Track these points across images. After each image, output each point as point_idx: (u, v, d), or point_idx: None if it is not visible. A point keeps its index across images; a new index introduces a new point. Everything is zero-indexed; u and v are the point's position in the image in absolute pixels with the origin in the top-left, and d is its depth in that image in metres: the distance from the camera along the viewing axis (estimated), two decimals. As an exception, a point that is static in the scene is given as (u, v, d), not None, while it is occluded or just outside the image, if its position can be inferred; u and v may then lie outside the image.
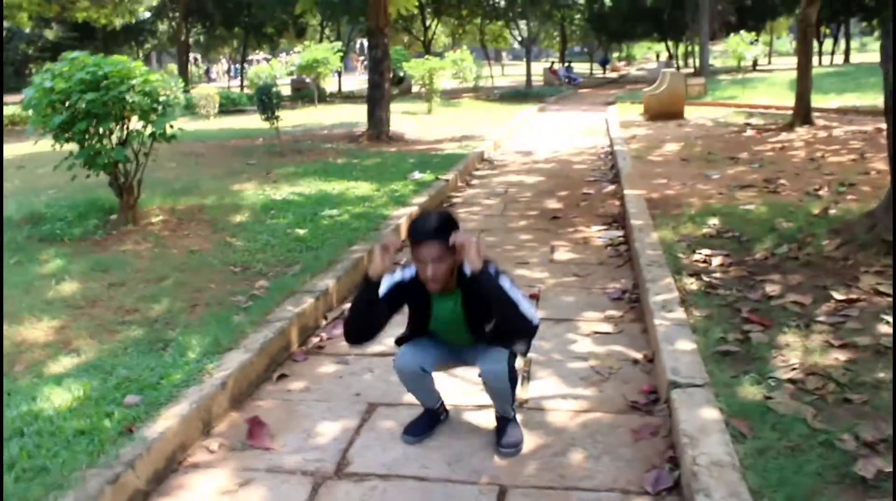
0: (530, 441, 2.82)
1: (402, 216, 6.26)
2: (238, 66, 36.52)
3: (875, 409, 2.66)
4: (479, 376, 2.74)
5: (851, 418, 2.60)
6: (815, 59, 17.21)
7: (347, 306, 4.43)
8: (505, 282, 2.54)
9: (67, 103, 5.15)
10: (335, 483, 2.61)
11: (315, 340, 4.00)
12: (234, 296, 4.27)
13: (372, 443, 2.87)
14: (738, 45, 20.88)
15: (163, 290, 4.37)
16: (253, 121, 15.79)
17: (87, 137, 5.28)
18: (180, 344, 3.52)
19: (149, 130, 5.53)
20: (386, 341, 3.72)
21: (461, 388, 3.27)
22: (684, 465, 2.43)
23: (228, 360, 3.34)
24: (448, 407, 3.05)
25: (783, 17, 39.37)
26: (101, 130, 5.32)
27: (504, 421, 2.84)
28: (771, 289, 3.98)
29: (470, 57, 22.09)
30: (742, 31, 22.83)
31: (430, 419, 2.95)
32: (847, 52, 39.03)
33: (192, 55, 37.75)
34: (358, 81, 40.63)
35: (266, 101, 9.76)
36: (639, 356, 3.60)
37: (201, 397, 2.99)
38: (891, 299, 3.69)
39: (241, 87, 32.81)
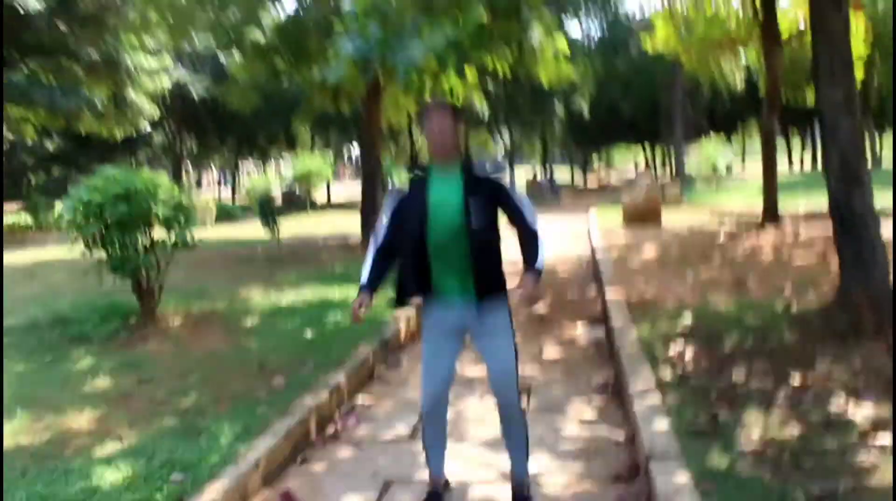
0: (529, 509, 3.26)
1: (401, 320, 6.77)
2: (229, 174, 37.84)
3: (823, 471, 3.15)
4: (490, 379, 3.17)
5: (802, 479, 3.09)
6: (785, 167, 18.33)
7: (358, 400, 4.94)
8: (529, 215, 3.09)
9: (102, 215, 5.74)
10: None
11: (331, 429, 4.44)
12: (255, 391, 4.73)
13: (392, 509, 3.30)
14: (712, 152, 22.16)
15: (189, 385, 4.83)
16: (249, 230, 16.52)
17: (117, 245, 5.83)
18: (212, 431, 3.96)
19: (172, 238, 6.11)
20: (397, 428, 4.22)
21: (466, 465, 3.72)
22: (661, 520, 2.89)
23: (258, 444, 3.78)
24: (455, 484, 3.49)
25: (754, 119, 41.54)
26: (128, 239, 5.89)
27: (519, 491, 3.27)
28: (737, 376, 4.50)
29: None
30: (713, 133, 24.30)
31: (438, 497, 3.35)
32: (814, 158, 40.97)
33: (183, 164, 39.17)
34: (346, 189, 42.09)
35: (267, 211, 10.42)
36: (620, 438, 4.08)
37: (238, 474, 3.43)
38: (841, 383, 4.22)
39: (233, 196, 33.98)
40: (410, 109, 15.34)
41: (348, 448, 4.14)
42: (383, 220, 3.18)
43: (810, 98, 17.96)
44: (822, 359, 4.68)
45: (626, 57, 29.97)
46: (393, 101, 14.51)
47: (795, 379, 4.34)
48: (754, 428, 3.68)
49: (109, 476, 3.39)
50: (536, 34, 10.80)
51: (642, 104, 32.79)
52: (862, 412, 3.80)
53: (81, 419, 4.21)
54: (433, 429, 3.28)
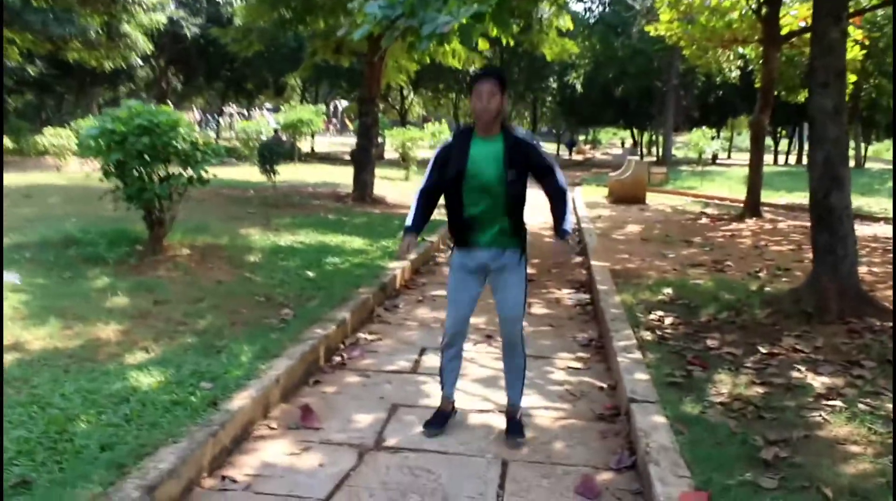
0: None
1: (397, 269, 7.17)
2: (214, 117, 37.67)
3: (780, 423, 3.63)
4: (499, 318, 3.66)
5: (762, 428, 3.57)
6: (770, 158, 18.85)
7: (361, 334, 5.36)
8: (559, 178, 3.52)
9: (123, 144, 6.02)
10: (376, 453, 3.47)
11: (338, 358, 4.86)
12: (266, 319, 5.12)
13: (400, 429, 3.74)
14: (700, 140, 22.66)
15: (202, 310, 5.20)
16: (239, 172, 16.71)
17: (136, 174, 6.13)
18: (231, 350, 4.34)
19: (187, 173, 6.42)
20: (399, 362, 4.65)
21: (466, 397, 4.17)
22: (639, 450, 3.36)
23: (277, 364, 4.18)
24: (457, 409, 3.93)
25: (744, 116, 42.22)
26: (148, 170, 6.19)
27: (513, 417, 3.72)
28: (711, 343, 4.99)
29: (448, 130, 23.49)
30: (704, 127, 24.83)
31: (445, 417, 3.80)
32: (800, 153, 41.84)
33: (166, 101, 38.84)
34: (329, 142, 42.04)
35: (267, 156, 10.69)
36: (603, 384, 4.55)
37: (262, 387, 3.83)
38: (803, 356, 4.73)
39: (217, 138, 33.85)
40: (411, 69, 15.56)
41: (355, 376, 4.57)
42: (429, 167, 3.62)
43: (802, 98, 18.55)
44: (788, 335, 5.18)
45: (624, 39, 30.22)
46: (394, 59, 14.76)
47: (763, 349, 4.84)
48: (723, 386, 4.16)
49: (144, 379, 3.76)
50: (545, 9, 11.09)
51: (636, 87, 33.15)
52: (820, 379, 4.30)
53: (108, 331, 4.57)
54: (452, 351, 3.74)
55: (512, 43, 12.25)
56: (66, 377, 3.74)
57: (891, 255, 9.25)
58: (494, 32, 10.85)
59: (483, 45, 10.83)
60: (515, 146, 3.48)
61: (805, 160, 39.51)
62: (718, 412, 3.76)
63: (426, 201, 3.61)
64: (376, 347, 5.19)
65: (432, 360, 4.87)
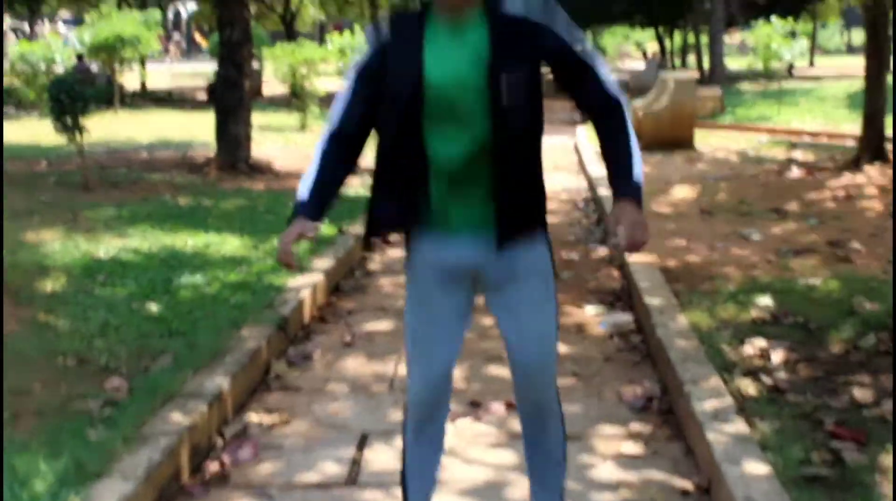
0: None
1: (304, 288, 6.73)
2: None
3: None
4: (512, 367, 3.20)
5: None
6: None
7: (251, 416, 4.97)
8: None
9: None
10: None
11: (212, 465, 4.40)
12: (78, 402, 4.63)
13: None
14: (771, 40, 22.62)
15: (-43, 394, 4.67)
16: (22, 130, 16.08)
17: None
18: (17, 471, 3.83)
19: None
20: (322, 465, 4.24)
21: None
22: None
23: (102, 493, 3.68)
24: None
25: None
26: None
27: None
28: (860, 395, 4.67)
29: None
30: (773, 18, 24.81)
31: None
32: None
33: None
34: (171, 73, 41.41)
35: (67, 103, 10.16)
36: (687, 485, 4.17)
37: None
38: None
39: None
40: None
41: (245, 498, 4.12)
42: (343, 88, 2.97)
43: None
44: None
45: None
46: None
47: (951, 397, 4.53)
48: (900, 474, 3.82)
49: None
50: None
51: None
52: None
53: None
54: (422, 450, 3.30)
55: None
56: None
57: None
58: None
59: None
60: (510, 28, 2.83)
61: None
62: (903, 529, 3.40)
63: (338, 155, 2.96)
64: (279, 437, 4.78)
65: (382, 456, 4.49)
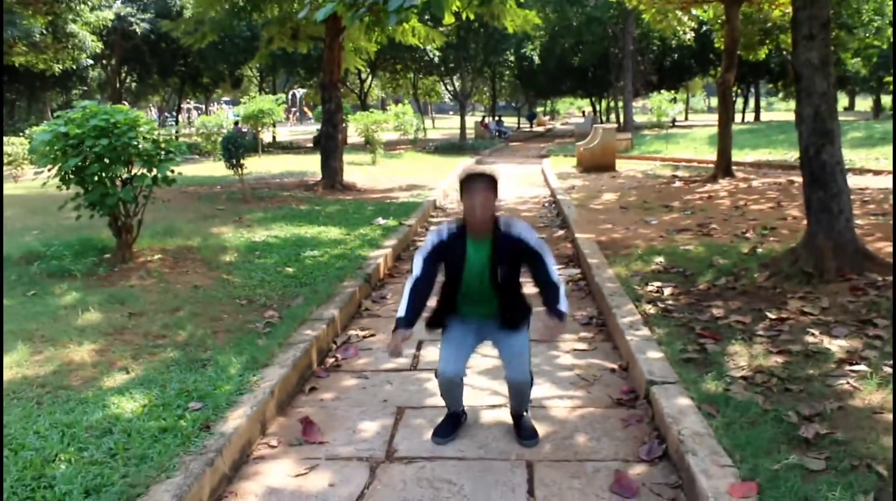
0: (540, 430, 3.44)
1: (380, 257, 6.84)
2: (172, 114, 36.58)
3: (809, 395, 3.40)
4: (507, 380, 3.35)
5: (792, 402, 3.33)
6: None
7: (351, 331, 5.04)
8: (553, 272, 3.25)
9: (80, 148, 5.56)
10: (389, 466, 3.16)
11: (331, 360, 4.53)
12: (250, 324, 4.76)
13: (410, 435, 3.43)
14: (661, 104, 22.52)
15: (181, 319, 4.82)
16: (203, 168, 16.19)
17: (96, 179, 5.69)
18: (218, 362, 3.99)
19: (152, 174, 5.98)
20: (397, 361, 4.31)
21: (473, 393, 3.87)
22: (670, 438, 3.10)
23: (269, 373, 3.84)
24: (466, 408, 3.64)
25: (698, 77, 42.34)
26: (109, 174, 5.74)
27: (519, 417, 3.44)
28: (716, 312, 4.75)
29: (411, 111, 23.06)
30: (662, 91, 24.66)
31: (455, 422, 3.50)
32: (757, 111, 42.11)
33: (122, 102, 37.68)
34: (289, 132, 41.29)
35: (232, 150, 10.23)
36: (614, 366, 4.29)
37: (257, 402, 3.49)
38: (813, 318, 4.52)
39: (176, 136, 32.89)
40: (370, 50, 15.08)
41: (353, 378, 4.25)
42: (420, 258, 3.27)
43: (763, 55, 18.43)
44: (792, 297, 4.97)
45: (578, 7, 29.83)
46: (351, 42, 14.28)
47: (771, 315, 4.61)
48: (741, 358, 3.93)
49: (126, 405, 3.40)
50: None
51: (593, 55, 32.89)
52: (837, 342, 4.08)
53: (81, 352, 4.17)
54: (452, 395, 3.43)
55: (472, 16, 11.87)
56: (40, 411, 3.35)
57: (873, 205, 9.14)
58: (457, 4, 10.53)
59: (448, 19, 10.44)
60: (502, 242, 3.21)
61: (762, 117, 39.94)
62: (743, 388, 3.51)
63: (419, 292, 3.25)
64: (370, 344, 4.87)
65: (432, 353, 4.55)
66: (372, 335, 5.04)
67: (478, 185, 3.12)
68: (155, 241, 7.04)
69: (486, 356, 4.51)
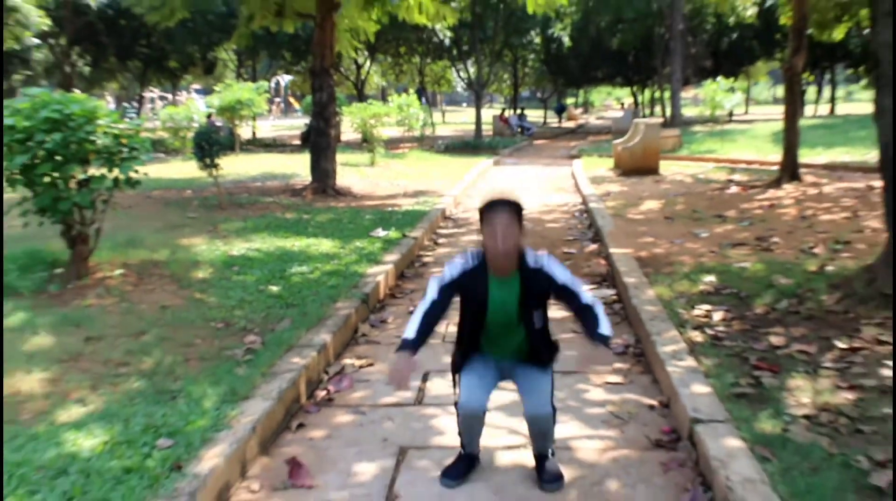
0: (566, 474, 3.54)
1: (379, 274, 6.96)
2: (133, 105, 37.05)
3: (885, 437, 3.48)
4: (525, 416, 3.46)
5: (863, 444, 3.42)
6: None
7: (346, 360, 5.17)
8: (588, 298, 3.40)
9: (28, 144, 5.72)
10: (388, 513, 3.27)
11: (322, 393, 4.65)
12: (228, 350, 4.90)
13: (415, 479, 3.54)
14: (716, 94, 22.65)
15: (147, 345, 4.95)
16: (171, 169, 16.39)
17: (47, 180, 5.84)
18: (190, 394, 4.12)
19: (112, 174, 6.14)
20: (397, 395, 4.44)
21: (488, 431, 3.97)
22: (717, 485, 3.19)
23: (250, 407, 3.96)
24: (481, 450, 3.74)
25: (762, 62, 42.42)
26: (62, 174, 5.89)
27: (543, 459, 3.54)
28: (775, 340, 4.85)
29: (417, 102, 23.25)
30: (718, 78, 24.84)
31: (469, 463, 3.61)
32: (833, 102, 42.14)
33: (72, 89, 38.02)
34: (272, 126, 41.66)
35: (206, 147, 10.40)
36: (653, 402, 4.39)
37: (236, 439, 3.61)
38: (891, 348, 4.60)
39: (138, 131, 33.25)
40: (370, 30, 15.31)
41: (347, 413, 4.37)
42: (436, 284, 3.42)
43: (839, 34, 18.52)
44: (867, 323, 5.05)
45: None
46: (346, 21, 14.51)
47: (841, 343, 4.70)
48: (803, 394, 4.02)
49: (84, 442, 3.52)
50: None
51: (634, 37, 33.12)
52: (918, 376, 4.16)
53: (31, 381, 4.30)
54: (471, 432, 3.56)
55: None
56: (-16, 448, 3.48)
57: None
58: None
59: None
60: (531, 281, 3.35)
61: (838, 110, 39.86)
62: (805, 428, 3.61)
63: (432, 317, 3.38)
64: (367, 374, 5.00)
65: (439, 386, 4.71)
66: (370, 365, 5.16)
67: (499, 214, 3.23)
68: (115, 253, 7.19)
69: (502, 389, 4.61)
